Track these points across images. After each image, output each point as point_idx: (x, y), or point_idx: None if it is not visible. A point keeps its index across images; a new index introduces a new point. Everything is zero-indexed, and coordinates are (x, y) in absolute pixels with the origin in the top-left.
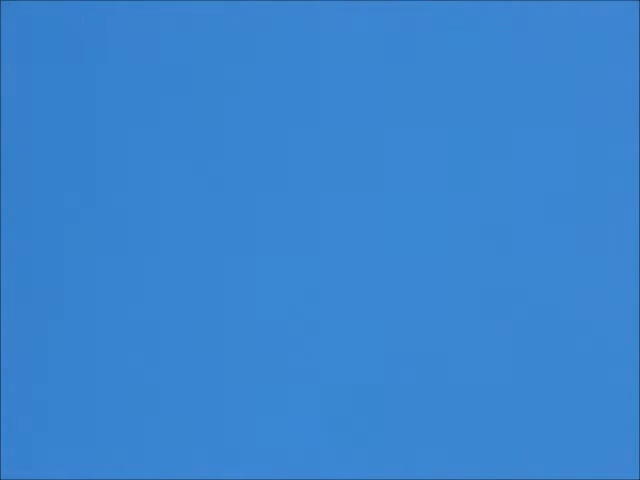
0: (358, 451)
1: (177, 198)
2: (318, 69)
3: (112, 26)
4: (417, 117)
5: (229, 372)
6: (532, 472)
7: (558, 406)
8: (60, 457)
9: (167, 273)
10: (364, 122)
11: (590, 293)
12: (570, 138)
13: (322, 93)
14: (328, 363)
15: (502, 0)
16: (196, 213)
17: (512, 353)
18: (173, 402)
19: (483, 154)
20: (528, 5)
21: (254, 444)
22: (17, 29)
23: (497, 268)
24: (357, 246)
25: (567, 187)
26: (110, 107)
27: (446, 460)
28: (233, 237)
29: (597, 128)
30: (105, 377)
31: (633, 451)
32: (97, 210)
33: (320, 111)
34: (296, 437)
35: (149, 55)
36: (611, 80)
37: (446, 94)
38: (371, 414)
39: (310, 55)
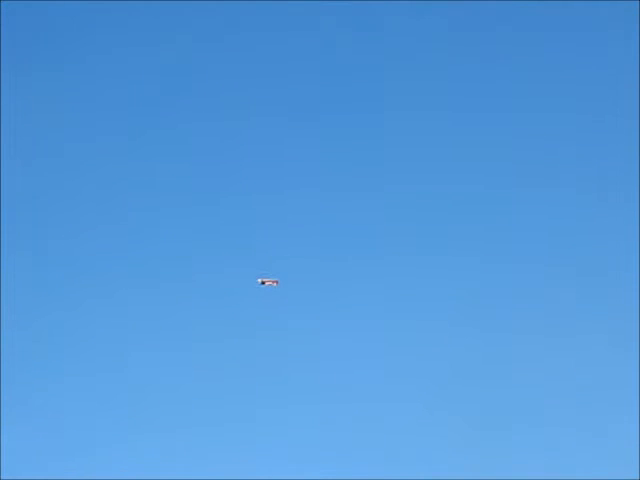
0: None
1: None
2: None
3: (111, 26)
4: None
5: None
6: (533, 472)
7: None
8: (60, 457)
9: None
10: None
11: None
12: (569, 143)
13: None
14: None
15: (504, 1)
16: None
17: None
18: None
19: None
20: (529, 5)
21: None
22: (17, 29)
23: None
24: None
25: None
26: (109, 106)
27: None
28: None
29: (597, 129)
30: (105, 380)
31: (633, 451)
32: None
33: None
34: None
35: (147, 55)
36: (611, 80)
37: None
38: None
39: None
